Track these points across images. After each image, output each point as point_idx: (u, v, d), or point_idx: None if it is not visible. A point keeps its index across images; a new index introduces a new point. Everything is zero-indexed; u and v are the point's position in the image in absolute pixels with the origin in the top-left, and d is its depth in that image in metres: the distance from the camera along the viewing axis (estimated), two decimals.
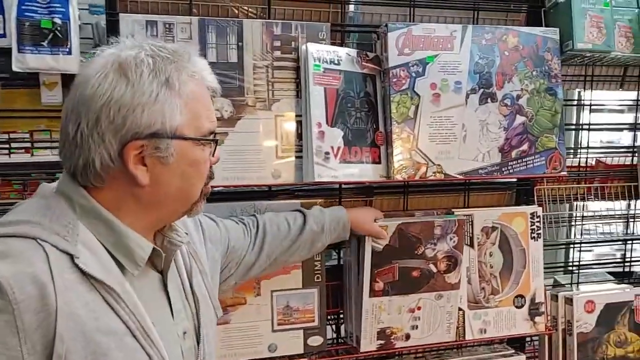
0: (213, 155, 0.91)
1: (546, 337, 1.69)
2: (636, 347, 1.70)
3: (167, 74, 0.82)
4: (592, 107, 1.91)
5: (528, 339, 1.77)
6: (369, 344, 1.45)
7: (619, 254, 2.09)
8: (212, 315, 1.01)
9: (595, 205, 1.97)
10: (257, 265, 1.25)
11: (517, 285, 1.57)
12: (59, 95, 1.36)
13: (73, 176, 0.84)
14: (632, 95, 1.94)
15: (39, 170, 1.42)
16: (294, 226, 1.29)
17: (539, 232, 1.58)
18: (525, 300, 1.58)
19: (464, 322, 1.54)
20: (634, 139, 1.98)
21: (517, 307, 1.57)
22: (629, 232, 1.97)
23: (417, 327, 1.48)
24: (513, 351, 1.66)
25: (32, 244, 0.76)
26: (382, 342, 1.46)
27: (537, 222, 1.58)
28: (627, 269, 2.00)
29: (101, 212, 0.83)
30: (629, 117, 2.05)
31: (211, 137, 0.89)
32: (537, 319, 1.60)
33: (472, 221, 1.53)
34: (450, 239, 1.46)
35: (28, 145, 1.41)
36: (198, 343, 0.95)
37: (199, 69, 0.87)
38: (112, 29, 1.27)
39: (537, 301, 1.59)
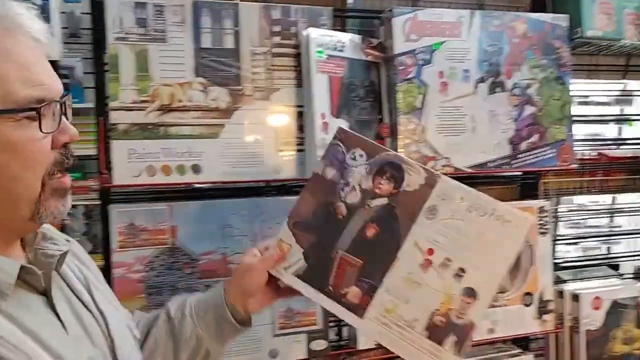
0: (61, 132, 0.66)
1: (552, 336, 1.64)
2: None
3: None
4: (579, 99, 1.86)
5: (533, 337, 1.72)
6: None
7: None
8: (127, 334, 0.82)
9: (599, 198, 1.93)
10: None
11: (525, 283, 1.51)
12: None
13: None
14: (632, 85, 1.89)
15: None
16: (148, 324, 0.96)
17: (546, 227, 1.52)
18: (533, 299, 1.52)
19: None
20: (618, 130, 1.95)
21: (525, 305, 1.51)
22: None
23: None
24: (520, 350, 1.60)
25: None
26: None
27: (545, 217, 1.52)
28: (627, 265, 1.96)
29: None
30: (614, 109, 2.01)
31: (34, 105, 0.63)
32: (545, 317, 1.54)
33: None
34: None
35: None
36: None
37: (9, 14, 0.63)
38: (98, 11, 1.17)
39: (545, 299, 1.53)
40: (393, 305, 0.92)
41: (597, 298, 1.61)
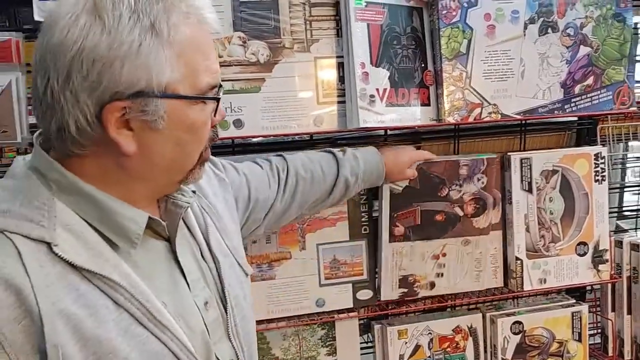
0: (215, 114, 0.75)
1: (609, 286, 1.59)
2: None
3: (153, 16, 0.65)
4: None
5: (589, 288, 1.68)
6: (390, 292, 1.39)
7: None
8: (239, 275, 0.89)
9: None
10: (287, 215, 1.14)
11: (580, 232, 1.46)
12: None
13: (48, 144, 0.71)
14: None
15: None
16: (328, 176, 1.17)
17: (603, 174, 1.46)
18: (588, 248, 1.47)
19: (522, 272, 1.45)
20: None
21: (579, 255, 1.47)
22: None
23: (442, 274, 1.41)
24: (574, 301, 1.56)
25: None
26: (404, 290, 1.39)
27: (602, 163, 1.45)
28: None
29: (80, 186, 0.69)
30: None
31: (212, 93, 0.73)
32: (601, 267, 1.50)
33: (530, 164, 1.41)
34: (478, 180, 1.37)
35: None
36: (226, 310, 0.83)
37: (195, 7, 0.69)
38: None
39: (601, 248, 1.48)
40: None
41: None
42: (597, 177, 1.46)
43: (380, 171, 1.23)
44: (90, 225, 0.70)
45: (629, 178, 2.17)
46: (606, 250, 1.49)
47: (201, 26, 0.70)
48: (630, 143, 1.86)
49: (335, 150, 1.21)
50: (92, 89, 0.64)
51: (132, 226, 0.71)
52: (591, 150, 1.45)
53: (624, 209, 1.84)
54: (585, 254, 1.47)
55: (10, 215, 0.65)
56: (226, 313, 0.82)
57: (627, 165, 2.09)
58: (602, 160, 1.45)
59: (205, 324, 0.79)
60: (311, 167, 1.16)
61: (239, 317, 0.84)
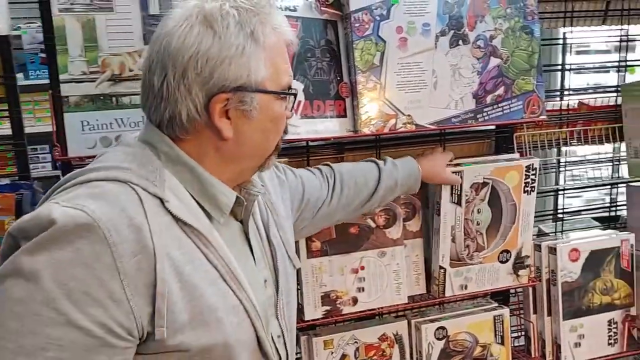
0: (289, 110, 0.90)
1: (530, 289, 1.64)
2: (623, 294, 1.66)
3: (252, 26, 0.81)
4: (579, 48, 1.81)
5: (512, 291, 1.72)
6: (313, 310, 1.39)
7: (607, 199, 2.03)
8: (288, 267, 1.00)
9: (582, 150, 1.90)
10: (332, 217, 1.26)
11: (504, 241, 1.49)
12: None
13: (158, 127, 0.83)
14: (617, 32, 1.83)
15: None
16: (370, 181, 1.28)
17: (533, 185, 1.47)
18: (510, 255, 1.51)
19: (444, 280, 1.48)
20: (618, 78, 1.89)
21: (501, 262, 1.50)
22: (614, 175, 1.90)
23: (363, 289, 1.42)
24: (496, 304, 1.61)
25: (125, 187, 0.76)
26: (327, 308, 1.40)
27: (533, 175, 1.47)
28: (612, 214, 1.94)
29: (186, 160, 0.82)
30: (616, 57, 1.95)
31: (290, 91, 0.88)
32: (521, 272, 1.54)
33: (461, 177, 1.42)
34: None
35: None
36: (277, 292, 0.95)
37: (279, 22, 0.86)
38: None
39: (523, 255, 1.52)
40: None
41: (574, 250, 1.60)
42: (526, 188, 1.47)
43: (417, 175, 1.33)
44: (190, 194, 0.82)
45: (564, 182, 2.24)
46: (528, 256, 1.53)
47: (283, 36, 0.86)
48: (563, 148, 1.92)
49: (377, 160, 1.33)
50: (204, 83, 0.79)
51: (224, 199, 0.85)
52: (524, 162, 1.46)
53: (548, 211, 1.91)
54: (507, 260, 1.51)
55: (132, 172, 0.78)
56: (277, 295, 0.95)
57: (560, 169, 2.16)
58: (534, 172, 1.47)
59: (263, 300, 0.90)
60: (355, 174, 1.27)
61: (285, 301, 0.96)
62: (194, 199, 0.83)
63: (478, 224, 1.47)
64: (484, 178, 1.44)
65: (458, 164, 1.43)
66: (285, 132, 0.92)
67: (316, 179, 1.23)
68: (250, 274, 0.88)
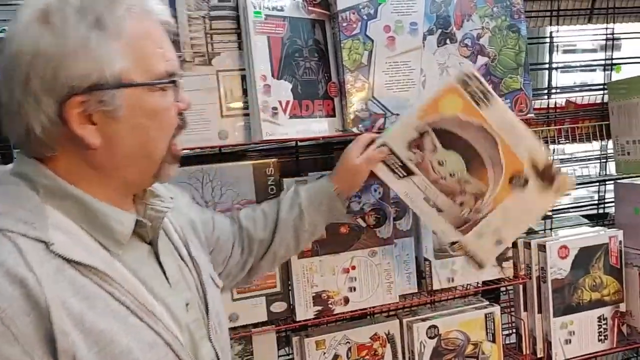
0: (180, 100, 0.78)
1: (520, 287, 1.65)
2: (612, 290, 1.67)
3: (97, 12, 0.69)
4: (565, 47, 1.83)
5: (503, 289, 1.73)
6: (305, 311, 1.38)
7: (596, 196, 2.04)
8: (212, 286, 0.92)
9: (570, 148, 1.91)
10: (245, 264, 1.13)
11: (503, 169, 1.20)
12: None
13: (22, 149, 0.74)
14: (602, 31, 1.85)
15: None
16: (268, 218, 1.14)
17: (485, 93, 1.18)
18: (525, 176, 1.21)
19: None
20: (605, 76, 1.91)
21: (519, 186, 1.22)
22: (601, 173, 1.92)
23: (354, 288, 1.42)
24: (487, 303, 1.61)
25: None
26: (319, 308, 1.39)
27: (476, 83, 1.18)
28: (601, 211, 1.96)
29: (68, 190, 0.72)
30: (602, 56, 1.96)
31: (169, 78, 0.75)
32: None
33: (391, 149, 1.19)
34: (375, 190, 1.40)
35: None
36: (207, 313, 0.86)
37: (140, 1, 0.73)
38: None
39: (541, 167, 1.22)
40: None
41: (563, 247, 1.61)
42: (479, 101, 1.19)
43: (328, 189, 1.15)
44: (80, 227, 0.73)
45: None
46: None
47: (148, 16, 0.74)
48: (551, 146, 1.93)
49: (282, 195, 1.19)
50: (50, 88, 0.68)
51: (120, 227, 0.75)
52: (452, 81, 1.20)
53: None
54: (526, 183, 1.23)
55: (7, 217, 0.68)
56: (208, 316, 0.86)
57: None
58: (474, 80, 1.18)
59: (187, 323, 0.81)
60: (252, 214, 1.16)
61: (216, 322, 0.87)
62: (86, 231, 0.73)
63: (452, 175, 1.20)
64: (416, 129, 1.18)
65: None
66: (182, 126, 0.80)
67: (226, 220, 1.13)
68: (167, 300, 0.78)
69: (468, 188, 1.21)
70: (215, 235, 1.06)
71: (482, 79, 1.18)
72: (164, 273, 0.81)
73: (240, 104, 1.25)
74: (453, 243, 1.24)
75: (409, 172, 1.20)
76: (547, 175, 1.20)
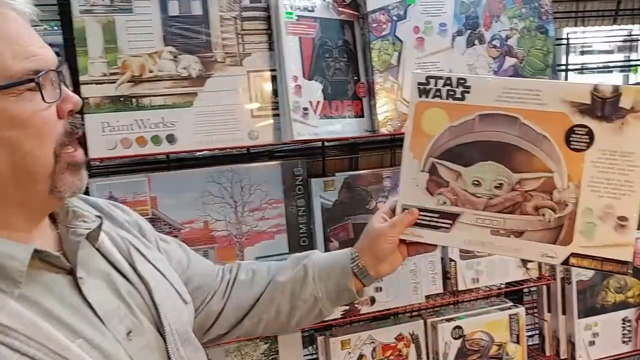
0: (64, 101, 0.66)
1: (544, 288, 1.65)
2: (636, 292, 1.66)
3: None
4: (582, 48, 1.82)
5: (526, 290, 1.73)
6: None
7: None
8: (175, 300, 0.82)
9: None
10: (222, 318, 0.97)
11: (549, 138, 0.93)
12: None
13: None
14: (624, 32, 1.84)
15: None
16: (266, 275, 0.99)
17: None
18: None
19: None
20: (622, 78, 1.90)
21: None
22: None
23: (381, 289, 1.42)
24: (511, 304, 1.61)
25: None
26: (346, 308, 1.39)
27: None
28: None
29: None
30: (619, 57, 1.96)
31: (31, 77, 0.62)
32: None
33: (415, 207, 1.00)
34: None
35: None
36: (164, 334, 0.75)
37: None
38: None
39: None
40: None
41: None
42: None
43: (344, 259, 0.97)
44: None
45: None
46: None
47: (2, 8, 0.63)
48: None
49: (301, 262, 0.99)
50: None
51: (12, 263, 0.62)
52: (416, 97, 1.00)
53: None
54: None
55: None
56: (165, 337, 0.75)
57: None
58: (460, 80, 0.97)
59: (129, 355, 0.70)
60: (254, 268, 1.01)
61: (181, 340, 0.78)
62: None
63: (498, 186, 0.94)
64: (423, 169, 0.97)
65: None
66: (72, 132, 0.67)
67: (213, 268, 1.00)
68: (95, 336, 0.67)
69: (528, 187, 0.93)
70: (188, 275, 0.94)
71: (440, 73, 0.97)
72: (90, 305, 0.69)
73: (269, 104, 1.26)
74: (565, 262, 0.93)
75: (453, 217, 0.96)
76: (611, 105, 0.87)
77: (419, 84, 0.95)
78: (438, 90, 0.94)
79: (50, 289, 0.66)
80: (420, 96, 0.96)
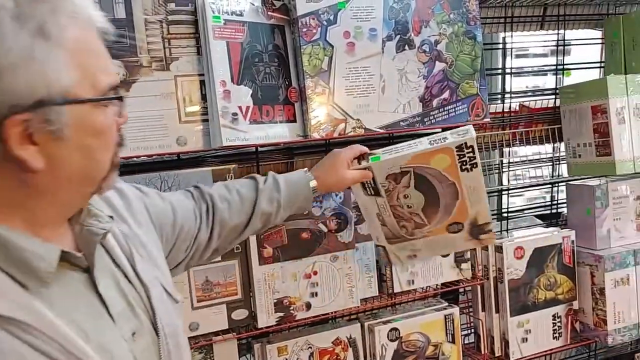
0: (120, 116, 0.72)
1: (478, 287, 1.68)
2: (565, 289, 1.72)
3: (40, 19, 0.60)
4: (518, 52, 1.87)
5: (461, 290, 1.76)
6: (266, 318, 1.38)
7: (548, 197, 2.10)
8: (168, 303, 0.84)
9: (523, 151, 1.96)
10: (210, 246, 1.06)
11: (450, 215, 1.29)
12: None
13: None
14: (554, 37, 1.91)
15: None
16: (245, 203, 1.08)
17: (473, 162, 1.24)
18: (462, 226, 1.30)
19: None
20: (556, 80, 1.97)
21: (452, 232, 1.31)
22: (554, 174, 1.98)
23: (316, 294, 1.42)
24: (447, 304, 1.64)
25: None
26: (281, 314, 1.39)
27: (470, 152, 1.24)
28: (554, 211, 2.02)
29: None
30: (553, 60, 2.02)
31: (113, 93, 0.68)
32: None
33: (372, 172, 1.22)
34: (336, 195, 1.41)
35: None
36: (158, 337, 0.78)
37: (80, 6, 0.65)
38: None
39: (480, 222, 1.30)
40: None
41: (519, 248, 1.65)
42: (464, 167, 1.25)
43: (307, 193, 1.14)
44: None
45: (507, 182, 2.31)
46: (488, 222, 1.31)
47: (89, 24, 0.66)
48: (505, 149, 1.98)
49: (258, 176, 1.13)
50: None
51: (40, 264, 0.65)
52: (452, 142, 1.21)
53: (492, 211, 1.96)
54: (459, 230, 1.32)
55: None
56: (158, 340, 0.78)
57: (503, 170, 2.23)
58: (469, 150, 1.24)
59: (134, 356, 0.73)
60: (228, 197, 1.08)
61: (172, 344, 0.80)
62: (1, 269, 0.63)
63: (409, 206, 1.28)
64: (401, 167, 1.23)
65: (363, 158, 1.23)
66: (120, 143, 0.73)
67: (189, 203, 1.04)
68: (106, 336, 0.70)
69: (415, 219, 1.30)
70: (178, 225, 0.98)
71: (476, 150, 1.21)
72: (104, 304, 0.72)
73: (198, 109, 1.23)
74: (378, 245, 1.35)
75: (377, 193, 1.24)
76: (478, 231, 1.31)
77: (465, 143, 1.20)
78: (465, 158, 1.24)
79: (70, 288, 0.69)
80: (455, 147, 1.21)
